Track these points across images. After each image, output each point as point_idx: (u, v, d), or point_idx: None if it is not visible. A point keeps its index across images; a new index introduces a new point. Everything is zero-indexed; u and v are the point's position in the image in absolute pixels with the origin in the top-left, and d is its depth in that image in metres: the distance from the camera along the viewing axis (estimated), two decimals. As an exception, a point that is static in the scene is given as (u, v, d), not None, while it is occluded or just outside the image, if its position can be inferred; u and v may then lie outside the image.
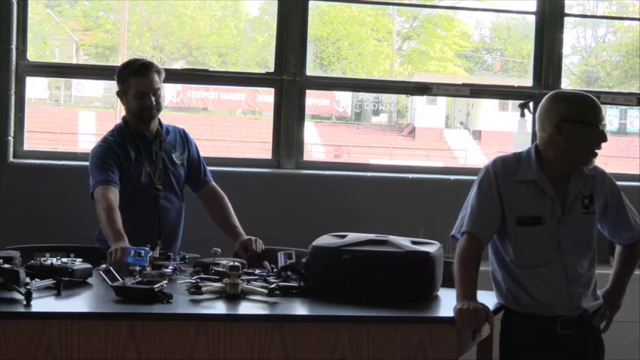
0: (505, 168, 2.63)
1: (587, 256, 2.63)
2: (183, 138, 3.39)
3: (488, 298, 2.59)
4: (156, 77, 3.20)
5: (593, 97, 2.62)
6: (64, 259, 2.69)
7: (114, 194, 3.05)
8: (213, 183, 3.46)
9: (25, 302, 2.34)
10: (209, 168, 3.51)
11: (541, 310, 2.58)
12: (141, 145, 3.22)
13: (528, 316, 2.60)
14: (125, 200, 3.14)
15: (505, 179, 2.61)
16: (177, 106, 14.18)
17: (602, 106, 2.64)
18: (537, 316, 2.58)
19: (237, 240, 3.26)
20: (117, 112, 3.08)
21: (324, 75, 8.84)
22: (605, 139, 2.56)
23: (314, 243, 2.73)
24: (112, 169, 3.12)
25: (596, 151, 2.58)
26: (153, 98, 3.17)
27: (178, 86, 12.68)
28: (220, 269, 2.70)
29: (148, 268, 2.74)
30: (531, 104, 4.32)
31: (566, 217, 2.59)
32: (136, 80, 3.16)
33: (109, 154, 3.15)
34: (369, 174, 4.18)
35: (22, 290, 2.37)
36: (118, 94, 3.27)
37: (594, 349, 2.68)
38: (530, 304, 2.59)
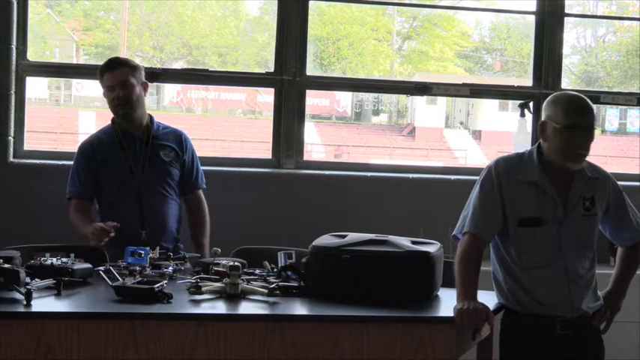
0: (507, 168, 2.63)
1: (587, 258, 2.64)
2: (181, 141, 3.41)
3: (488, 298, 2.59)
4: (124, 70, 3.26)
5: (582, 101, 2.57)
6: (64, 259, 2.71)
7: (86, 206, 3.33)
8: (201, 194, 3.45)
9: (25, 302, 2.35)
10: (209, 168, 3.50)
11: (541, 310, 2.58)
12: (124, 140, 3.29)
13: (528, 317, 2.60)
14: (109, 193, 3.29)
15: (507, 180, 2.61)
16: (177, 106, 14.18)
17: (593, 110, 2.58)
18: (537, 316, 2.58)
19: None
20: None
21: (324, 75, 8.82)
22: (572, 144, 2.51)
23: (314, 243, 2.73)
24: (89, 177, 3.31)
25: (580, 152, 2.55)
26: (121, 92, 3.23)
27: (178, 86, 12.68)
28: (220, 269, 2.70)
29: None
30: (531, 104, 4.32)
31: (567, 218, 2.59)
32: (106, 76, 3.28)
33: (87, 160, 3.31)
34: (369, 174, 4.17)
35: (22, 290, 2.37)
36: (104, 94, 3.34)
37: (594, 350, 2.68)
38: (530, 305, 2.59)
